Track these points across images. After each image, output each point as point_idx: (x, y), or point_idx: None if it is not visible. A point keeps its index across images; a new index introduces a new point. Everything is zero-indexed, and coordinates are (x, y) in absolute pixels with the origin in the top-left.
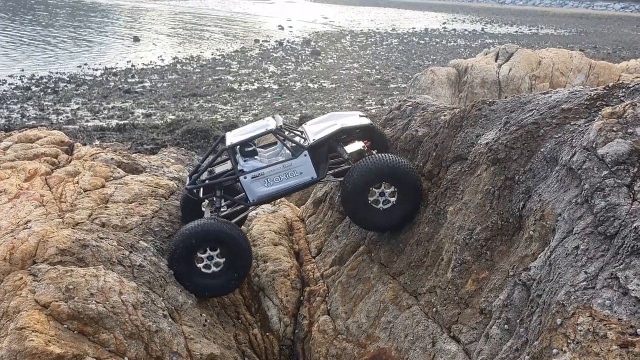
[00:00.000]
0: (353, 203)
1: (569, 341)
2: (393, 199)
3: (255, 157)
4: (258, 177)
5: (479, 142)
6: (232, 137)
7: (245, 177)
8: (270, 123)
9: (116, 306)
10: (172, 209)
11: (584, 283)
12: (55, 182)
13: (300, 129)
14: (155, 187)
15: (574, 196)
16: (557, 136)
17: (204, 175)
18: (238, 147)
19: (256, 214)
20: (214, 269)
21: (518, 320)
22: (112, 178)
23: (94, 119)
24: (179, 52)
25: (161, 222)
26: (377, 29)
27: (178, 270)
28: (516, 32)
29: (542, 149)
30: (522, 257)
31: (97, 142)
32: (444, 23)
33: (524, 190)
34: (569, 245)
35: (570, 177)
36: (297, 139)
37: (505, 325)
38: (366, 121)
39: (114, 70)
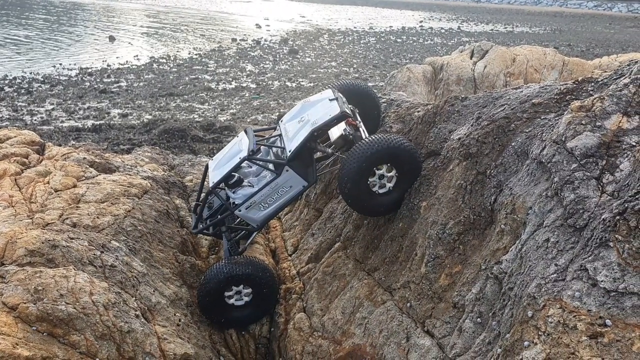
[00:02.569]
0: (353, 193)
1: (539, 333)
2: (390, 184)
3: (243, 183)
4: (251, 205)
5: (451, 137)
6: (213, 169)
7: (240, 211)
8: (243, 147)
9: (87, 307)
10: (145, 209)
11: (555, 275)
12: (25, 182)
13: (277, 130)
14: (128, 187)
15: (544, 189)
16: (527, 130)
17: (205, 212)
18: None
19: None
20: (238, 302)
21: (490, 314)
22: (84, 178)
23: (69, 119)
24: (156, 51)
25: (134, 221)
26: (355, 27)
27: (208, 308)
28: (492, 30)
29: (513, 143)
30: (494, 250)
31: (73, 143)
32: (421, 21)
33: (495, 185)
34: (540, 238)
35: (541, 170)
36: (275, 151)
37: (478, 319)
38: (336, 110)
39: (90, 70)
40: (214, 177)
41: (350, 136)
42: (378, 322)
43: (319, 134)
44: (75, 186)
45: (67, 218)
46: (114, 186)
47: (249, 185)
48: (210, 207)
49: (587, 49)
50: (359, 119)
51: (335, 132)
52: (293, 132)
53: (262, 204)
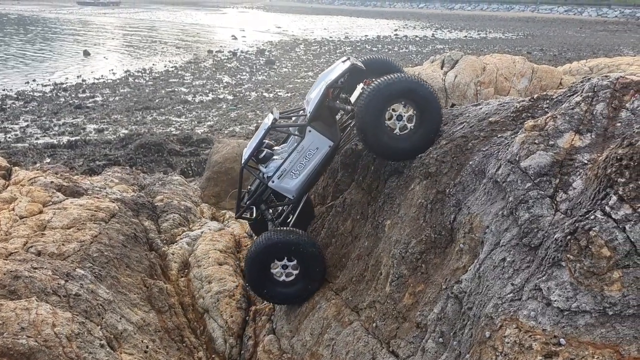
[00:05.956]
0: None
1: (497, 354)
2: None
3: (274, 157)
4: (282, 174)
5: None
6: (244, 154)
7: (273, 182)
8: (268, 120)
9: (49, 339)
10: (112, 233)
11: (511, 295)
12: None
13: (304, 104)
14: (96, 211)
15: (500, 208)
16: (484, 149)
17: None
18: (252, 159)
19: (202, 232)
20: (284, 278)
21: (452, 334)
22: (50, 203)
23: (45, 136)
24: (131, 65)
25: (100, 247)
26: (331, 37)
27: (256, 281)
28: (465, 37)
29: (470, 162)
30: (454, 269)
31: (48, 160)
32: (396, 30)
33: (454, 204)
34: (497, 257)
35: (497, 189)
36: (301, 118)
37: (440, 339)
38: (347, 65)
39: (64, 86)
40: (245, 156)
41: None
42: (345, 343)
43: (338, 93)
44: (41, 212)
45: (31, 246)
46: (81, 211)
47: (280, 159)
48: (248, 192)
49: (559, 53)
50: None
51: (354, 95)
52: (313, 98)
53: (293, 171)
